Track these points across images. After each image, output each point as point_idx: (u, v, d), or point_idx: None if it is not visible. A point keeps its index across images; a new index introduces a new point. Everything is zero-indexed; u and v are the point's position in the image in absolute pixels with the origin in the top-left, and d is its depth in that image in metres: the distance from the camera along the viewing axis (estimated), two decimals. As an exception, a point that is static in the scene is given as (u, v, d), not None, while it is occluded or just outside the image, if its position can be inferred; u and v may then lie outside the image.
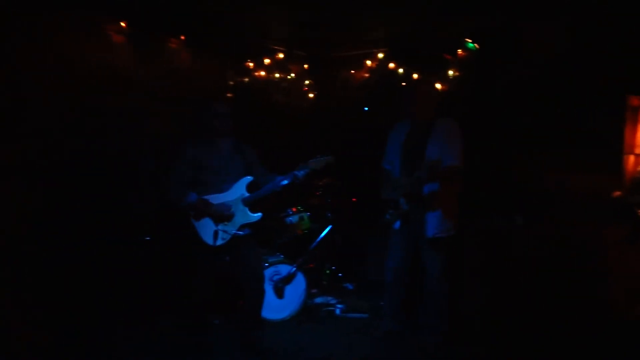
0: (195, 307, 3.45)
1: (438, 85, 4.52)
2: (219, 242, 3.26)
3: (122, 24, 3.82)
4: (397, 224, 3.52)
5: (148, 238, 3.86)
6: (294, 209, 4.55)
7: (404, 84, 4.79)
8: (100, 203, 3.67)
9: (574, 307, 3.25)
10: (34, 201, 3.21)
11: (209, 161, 3.33)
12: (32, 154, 3.21)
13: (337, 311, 4.36)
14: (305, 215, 4.50)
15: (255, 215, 3.38)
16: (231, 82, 4.78)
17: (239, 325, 3.59)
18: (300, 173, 3.31)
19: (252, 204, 3.38)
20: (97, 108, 3.63)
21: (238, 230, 3.33)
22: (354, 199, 5.01)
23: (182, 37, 4.24)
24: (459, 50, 4.41)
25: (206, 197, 3.30)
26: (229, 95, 4.74)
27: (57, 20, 3.30)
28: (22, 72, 3.18)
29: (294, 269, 4.20)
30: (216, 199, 3.33)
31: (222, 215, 3.29)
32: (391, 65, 4.85)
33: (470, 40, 4.29)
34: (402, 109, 3.60)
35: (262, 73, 4.90)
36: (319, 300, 4.48)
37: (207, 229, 3.30)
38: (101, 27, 3.70)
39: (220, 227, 3.29)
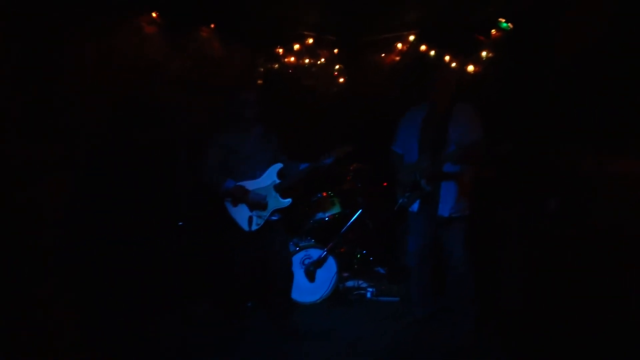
0: (231, 291, 3.58)
1: (471, 67, 4.43)
2: (254, 227, 3.39)
3: (153, 14, 3.90)
4: (415, 207, 3.52)
5: (181, 223, 3.97)
6: (325, 194, 4.58)
7: (435, 66, 4.71)
8: (138, 191, 3.80)
9: (611, 297, 3.15)
10: (77, 192, 3.36)
11: (241, 148, 3.43)
12: (75, 147, 3.34)
13: (368, 295, 4.40)
14: (336, 199, 4.53)
15: (286, 201, 3.49)
16: (261, 69, 4.81)
17: (271, 308, 3.70)
18: (326, 161, 3.42)
19: (283, 190, 3.47)
20: (132, 100, 3.74)
21: (270, 215, 3.43)
22: (384, 183, 4.99)
23: (212, 26, 4.29)
24: (493, 31, 4.29)
25: (240, 183, 3.41)
26: (259, 82, 4.78)
27: (92, 16, 3.41)
28: (64, 68, 3.30)
29: (325, 252, 4.26)
30: (250, 185, 3.44)
31: (259, 203, 3.40)
32: (422, 47, 4.76)
33: (504, 20, 4.16)
34: (422, 93, 3.60)
35: (292, 59, 4.91)
36: (350, 283, 4.53)
37: (242, 215, 3.40)
38: (133, 19, 3.78)
39: (254, 212, 3.40)
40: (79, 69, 3.36)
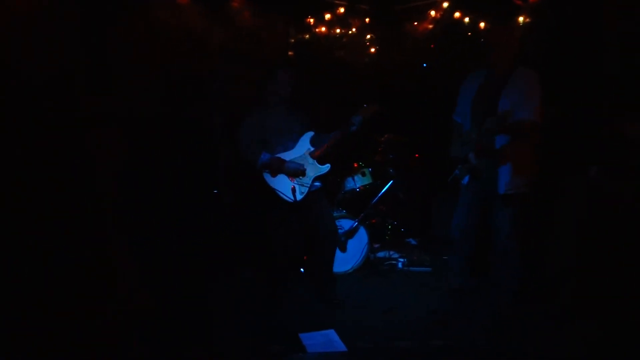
0: (277, 260, 3.62)
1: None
2: (299, 196, 3.42)
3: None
4: (466, 180, 3.44)
5: (216, 191, 4.03)
6: (356, 165, 4.58)
7: (470, 34, 4.59)
8: (182, 160, 3.91)
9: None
10: (125, 149, 3.51)
11: (273, 122, 3.47)
12: (124, 109, 3.51)
13: (400, 265, 4.42)
14: (367, 170, 4.52)
15: (325, 166, 3.51)
16: (292, 40, 4.78)
17: (313, 276, 3.75)
18: (356, 119, 3.38)
19: (319, 157, 3.50)
20: (171, 71, 3.83)
21: (313, 182, 3.47)
22: (416, 155, 4.95)
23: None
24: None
25: (276, 155, 3.44)
26: (290, 53, 4.75)
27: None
28: (110, 37, 3.48)
29: (356, 223, 4.28)
30: (285, 156, 3.47)
31: (297, 171, 3.43)
32: (457, 14, 4.63)
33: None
34: (479, 59, 3.44)
35: (323, 29, 4.85)
36: (381, 254, 4.55)
37: (285, 185, 3.44)
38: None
39: (296, 182, 3.44)
40: (126, 38, 3.52)
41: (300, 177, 3.45)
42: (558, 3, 3.92)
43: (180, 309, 3.35)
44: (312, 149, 3.51)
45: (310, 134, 3.54)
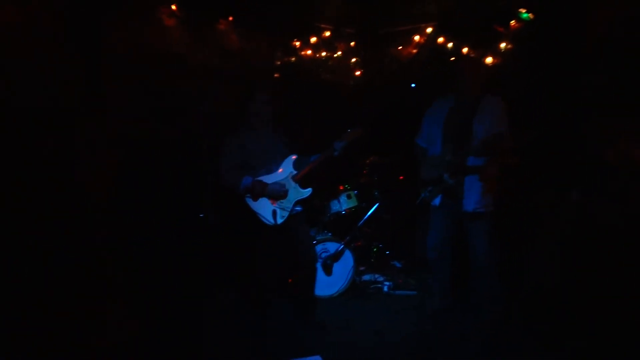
0: (257, 283, 3.60)
1: (489, 59, 4.38)
2: (280, 220, 3.40)
3: (173, 6, 3.91)
4: (437, 201, 3.49)
5: (202, 215, 4.00)
6: (342, 187, 4.58)
7: (453, 58, 4.67)
8: (164, 182, 3.88)
9: (636, 286, 3.12)
10: (113, 174, 3.52)
11: (255, 145, 3.46)
12: (116, 132, 3.53)
13: (385, 288, 4.39)
14: (353, 193, 4.52)
15: (307, 190, 3.50)
16: (278, 62, 4.81)
17: (294, 300, 3.72)
18: (337, 145, 3.44)
19: (301, 180, 3.49)
20: (157, 91, 3.82)
21: (294, 207, 3.45)
22: (401, 177, 4.97)
23: (231, 18, 4.29)
24: (512, 22, 4.23)
25: (258, 178, 3.43)
26: (276, 75, 4.78)
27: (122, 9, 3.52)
28: (102, 60, 3.50)
29: (342, 246, 4.25)
30: (267, 179, 3.45)
31: (279, 193, 3.41)
32: (440, 40, 4.72)
33: (524, 11, 4.10)
34: (449, 85, 3.54)
35: (309, 52, 4.89)
36: (366, 277, 4.52)
37: (266, 209, 3.42)
38: (154, 11, 3.81)
39: (277, 205, 3.42)
40: (110, 58, 3.52)
41: (282, 201, 3.43)
42: (539, 29, 4.02)
43: (164, 334, 3.29)
44: (294, 172, 3.50)
45: (294, 157, 3.54)
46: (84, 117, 3.30)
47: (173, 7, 3.92)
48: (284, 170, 3.51)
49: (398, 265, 4.89)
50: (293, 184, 3.48)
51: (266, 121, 3.50)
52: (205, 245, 4.01)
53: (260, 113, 3.46)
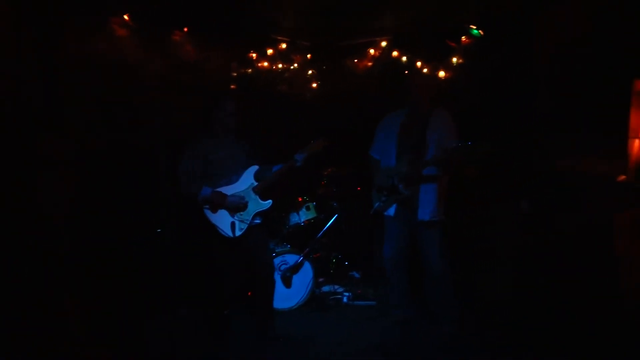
0: (215, 297, 3.54)
1: (442, 73, 4.52)
2: (238, 232, 3.35)
3: (125, 17, 3.82)
4: (392, 211, 3.55)
5: (160, 230, 3.89)
6: (300, 199, 4.57)
7: (407, 72, 4.78)
8: (120, 194, 3.78)
9: (584, 294, 3.27)
10: (70, 192, 3.40)
11: (216, 154, 3.41)
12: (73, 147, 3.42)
13: (345, 299, 4.41)
14: (312, 204, 4.52)
15: (267, 202, 3.47)
16: (234, 74, 4.77)
17: (252, 314, 3.66)
18: (300, 157, 3.44)
19: (262, 192, 3.46)
20: (112, 101, 3.73)
21: (253, 219, 3.40)
22: (359, 188, 5.02)
23: (185, 29, 4.23)
24: (463, 37, 4.39)
25: (218, 189, 3.37)
26: (232, 87, 4.74)
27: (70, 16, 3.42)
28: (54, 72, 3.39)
29: (301, 258, 4.24)
30: (227, 190, 3.40)
31: (238, 205, 3.36)
32: (395, 53, 4.83)
33: (474, 27, 4.27)
34: (400, 98, 3.66)
35: (265, 64, 4.89)
36: (326, 288, 4.52)
37: (224, 221, 3.36)
38: (105, 22, 3.70)
39: (236, 217, 3.37)
40: (64, 69, 3.42)
41: (241, 213, 3.39)
42: (490, 44, 4.18)
43: (122, 352, 3.19)
44: (255, 183, 3.47)
45: (255, 168, 3.51)
46: (43, 128, 3.19)
47: (125, 17, 3.82)
48: (245, 181, 3.47)
49: (357, 275, 4.92)
50: (253, 195, 3.45)
51: (230, 130, 3.47)
52: (162, 259, 3.90)
53: (225, 122, 3.43)
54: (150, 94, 3.88)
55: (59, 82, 3.38)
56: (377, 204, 3.59)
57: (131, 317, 3.59)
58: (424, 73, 3.74)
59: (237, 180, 3.46)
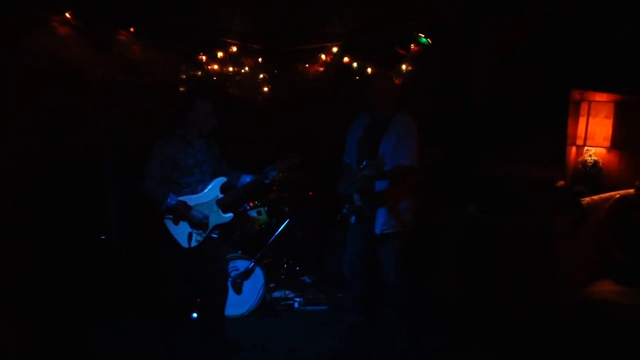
0: (166, 305, 3.41)
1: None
2: (194, 243, 3.23)
3: (67, 14, 3.65)
4: (353, 219, 3.55)
5: (103, 237, 3.73)
6: (252, 204, 4.52)
7: (358, 77, 4.83)
8: (63, 201, 3.58)
9: (527, 292, 3.41)
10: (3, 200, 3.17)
11: (185, 161, 3.21)
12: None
13: (296, 305, 4.37)
14: (263, 209, 4.48)
15: (228, 215, 3.37)
16: (183, 76, 4.66)
17: (203, 322, 3.57)
18: (271, 174, 3.34)
19: (225, 206, 3.35)
20: (51, 104, 3.53)
21: (212, 231, 3.30)
22: (310, 193, 5.02)
23: (132, 30, 4.10)
24: (412, 45, 4.49)
25: (181, 198, 3.20)
26: (181, 89, 4.63)
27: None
28: None
29: (252, 264, 4.18)
30: (191, 200, 3.25)
31: (201, 223, 3.23)
32: (345, 59, 4.87)
33: (423, 35, 4.37)
34: (363, 103, 3.58)
35: (216, 66, 4.81)
36: (277, 294, 4.48)
37: (182, 232, 3.23)
38: (47, 20, 3.52)
39: (194, 229, 3.25)
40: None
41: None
42: (436, 53, 4.30)
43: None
44: (220, 196, 3.34)
45: (222, 180, 3.37)
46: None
47: (67, 14, 3.65)
48: (211, 193, 3.32)
49: (308, 280, 4.91)
50: (215, 208, 3.32)
51: (204, 134, 3.26)
52: (106, 267, 3.74)
53: (199, 124, 3.18)
54: (94, 96, 3.72)
55: None
56: (343, 210, 3.45)
57: (71, 330, 3.41)
58: (383, 77, 3.71)
59: (202, 190, 3.30)
